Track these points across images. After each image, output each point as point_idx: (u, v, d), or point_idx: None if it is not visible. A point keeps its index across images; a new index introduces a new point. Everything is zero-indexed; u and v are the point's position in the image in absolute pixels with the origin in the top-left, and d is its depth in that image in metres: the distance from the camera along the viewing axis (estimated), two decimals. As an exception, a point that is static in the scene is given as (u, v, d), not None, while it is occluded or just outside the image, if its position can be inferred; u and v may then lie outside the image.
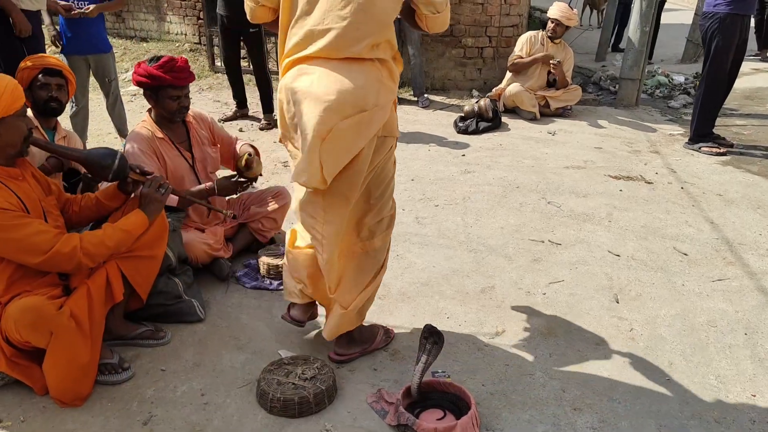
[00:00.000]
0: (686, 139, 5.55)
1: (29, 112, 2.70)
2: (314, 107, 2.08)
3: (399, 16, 2.25)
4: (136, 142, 3.10)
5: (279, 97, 2.23)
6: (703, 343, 2.74)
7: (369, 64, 2.15)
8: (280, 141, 2.34)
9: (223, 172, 3.42)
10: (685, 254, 3.53)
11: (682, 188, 4.52)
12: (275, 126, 6.04)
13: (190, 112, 3.33)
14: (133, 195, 2.58)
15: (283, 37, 2.23)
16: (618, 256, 3.51)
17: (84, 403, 2.31)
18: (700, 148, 5.33)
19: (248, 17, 2.35)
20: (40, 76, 3.07)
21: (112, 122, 5.39)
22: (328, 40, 2.08)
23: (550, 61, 6.19)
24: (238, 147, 3.45)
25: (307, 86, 2.10)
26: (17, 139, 2.27)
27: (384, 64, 2.20)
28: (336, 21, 2.06)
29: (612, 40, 9.86)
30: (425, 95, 6.77)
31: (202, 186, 3.18)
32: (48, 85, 3.08)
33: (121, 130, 5.38)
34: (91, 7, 4.82)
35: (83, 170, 3.01)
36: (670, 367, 2.58)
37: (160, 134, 3.17)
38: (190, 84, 3.18)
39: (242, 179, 3.28)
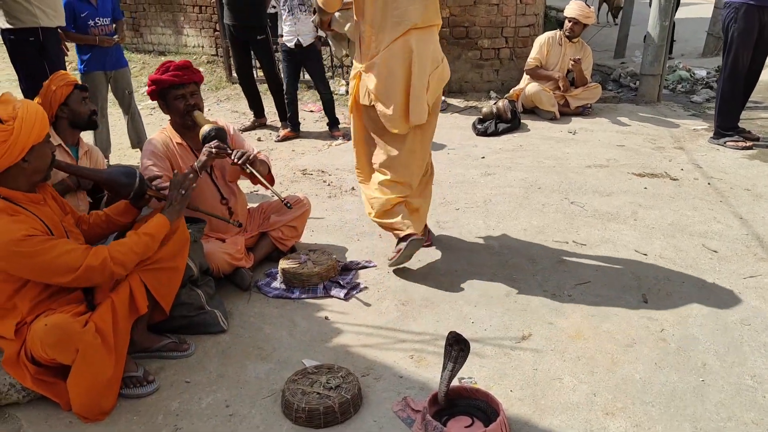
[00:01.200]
0: (711, 134, 5.44)
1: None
2: (420, 67, 3.00)
3: None
4: (150, 145, 3.15)
5: (378, 66, 3.00)
6: (737, 342, 2.66)
7: (435, 29, 3.08)
8: (350, 112, 3.27)
9: (244, 182, 3.42)
10: (715, 251, 3.44)
11: (708, 184, 4.42)
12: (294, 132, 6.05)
13: (214, 120, 3.35)
14: (144, 210, 2.62)
15: (360, 20, 3.02)
16: (645, 255, 3.43)
17: (107, 417, 2.31)
18: (725, 143, 5.22)
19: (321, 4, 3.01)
20: (76, 92, 3.17)
21: (128, 135, 5.43)
22: (420, 13, 2.94)
23: (570, 59, 6.12)
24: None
25: (414, 51, 2.97)
26: (45, 165, 2.31)
27: (438, 28, 3.11)
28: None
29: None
30: (442, 97, 6.72)
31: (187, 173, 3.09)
32: (86, 100, 3.19)
33: (140, 142, 5.43)
34: (118, 33, 5.02)
35: None
36: (704, 367, 2.51)
37: (178, 140, 3.18)
38: (209, 95, 3.19)
39: (215, 149, 2.96)
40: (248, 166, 2.96)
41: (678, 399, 2.33)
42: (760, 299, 2.97)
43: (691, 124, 6.01)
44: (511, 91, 6.58)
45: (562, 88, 6.21)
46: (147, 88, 3.17)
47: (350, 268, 3.38)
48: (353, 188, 4.58)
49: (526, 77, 6.46)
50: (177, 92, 3.09)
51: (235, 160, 2.94)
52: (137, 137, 5.41)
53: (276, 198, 3.60)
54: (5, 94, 2.33)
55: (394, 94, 3.03)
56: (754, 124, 5.86)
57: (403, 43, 2.98)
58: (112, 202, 3.09)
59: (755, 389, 2.37)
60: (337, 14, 3.24)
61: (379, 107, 3.08)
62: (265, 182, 2.99)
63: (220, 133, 3.01)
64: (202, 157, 2.93)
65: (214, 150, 2.92)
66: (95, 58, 5.00)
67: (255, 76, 6.63)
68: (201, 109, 3.16)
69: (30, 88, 4.38)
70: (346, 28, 3.35)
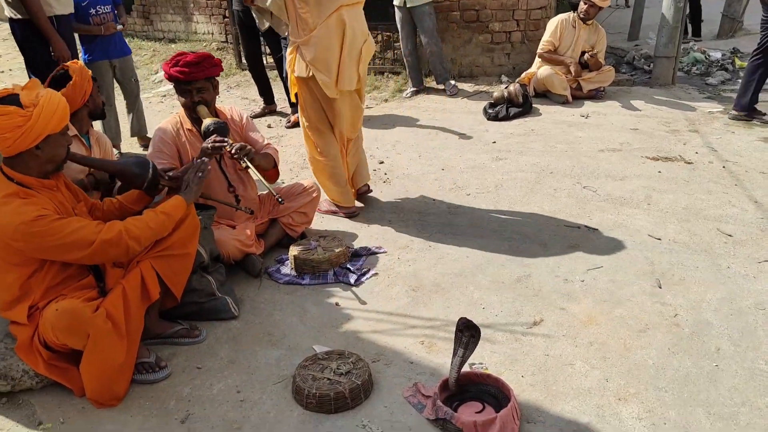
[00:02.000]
0: (727, 116, 5.37)
1: None
2: (352, 39, 3.45)
3: None
4: (159, 130, 3.17)
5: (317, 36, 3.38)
6: (751, 327, 2.62)
7: (360, 6, 3.55)
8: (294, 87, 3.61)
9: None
10: (730, 235, 3.40)
11: (723, 167, 4.36)
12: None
13: (229, 107, 3.38)
14: (156, 197, 2.63)
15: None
16: (659, 239, 3.39)
17: (120, 402, 2.33)
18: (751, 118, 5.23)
19: None
20: (95, 84, 3.23)
21: (130, 123, 5.42)
22: None
23: (586, 53, 6.04)
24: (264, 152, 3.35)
25: (347, 24, 3.41)
26: (58, 156, 2.31)
27: (362, 4, 3.56)
28: None
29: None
30: (451, 82, 6.67)
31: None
32: (98, 90, 3.24)
33: (140, 131, 5.45)
34: (121, 19, 5.02)
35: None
36: (718, 352, 2.48)
37: (188, 126, 3.19)
38: (219, 82, 3.18)
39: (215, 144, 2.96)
40: (244, 160, 2.93)
41: (691, 384, 2.31)
42: (776, 284, 2.93)
43: (706, 106, 5.92)
44: (523, 74, 6.49)
45: (573, 74, 6.13)
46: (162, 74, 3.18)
47: (360, 255, 3.38)
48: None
49: (537, 61, 6.38)
50: (184, 87, 3.08)
51: (232, 153, 2.93)
52: (138, 126, 5.42)
53: (286, 185, 3.62)
54: (33, 80, 2.36)
55: (333, 63, 3.44)
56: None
57: (337, 18, 3.39)
58: (124, 190, 3.11)
59: (770, 374, 2.34)
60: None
61: (319, 76, 3.45)
62: (259, 176, 2.95)
63: (219, 128, 3.00)
64: (201, 152, 2.96)
65: (210, 147, 2.92)
66: (99, 47, 5.00)
67: (264, 62, 6.59)
68: (209, 104, 3.14)
69: (42, 77, 4.39)
70: (268, 3, 3.42)
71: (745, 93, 5.27)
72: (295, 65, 3.53)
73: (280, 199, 2.96)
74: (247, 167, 2.94)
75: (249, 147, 3.00)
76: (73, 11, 4.58)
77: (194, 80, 3.06)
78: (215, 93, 3.21)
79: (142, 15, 9.88)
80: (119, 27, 5.06)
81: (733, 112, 5.41)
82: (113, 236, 2.26)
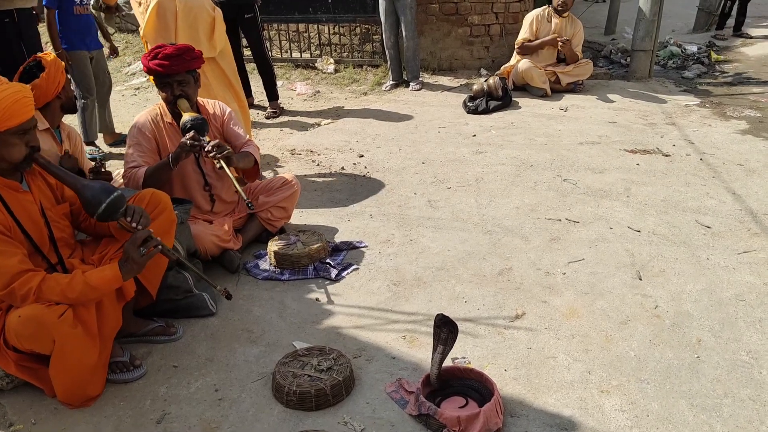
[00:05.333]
0: (703, 109, 5.42)
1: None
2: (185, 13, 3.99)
3: None
4: (138, 122, 3.09)
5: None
6: (732, 318, 2.64)
7: None
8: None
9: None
10: (708, 227, 3.42)
11: (701, 160, 4.39)
12: (282, 113, 5.96)
13: (211, 101, 3.30)
14: (127, 191, 2.52)
15: None
16: (638, 231, 3.40)
17: (94, 403, 2.26)
18: None
19: None
20: (68, 76, 3.12)
21: (101, 118, 5.28)
22: None
23: (558, 40, 6.03)
24: (244, 150, 3.25)
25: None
26: (12, 157, 2.11)
27: None
28: None
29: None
30: (419, 79, 6.66)
31: (164, 161, 2.99)
32: (69, 83, 3.14)
33: (109, 125, 5.34)
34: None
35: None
36: (699, 344, 2.48)
37: (169, 119, 3.11)
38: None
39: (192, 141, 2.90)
40: (220, 161, 2.84)
41: (673, 376, 2.31)
42: (755, 274, 2.94)
43: (682, 99, 5.97)
44: (502, 68, 6.49)
45: (557, 46, 6.04)
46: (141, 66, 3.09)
47: (341, 249, 3.33)
48: (343, 167, 4.52)
49: (516, 54, 6.38)
50: (164, 80, 3.00)
51: (207, 152, 2.85)
52: (106, 123, 5.30)
53: (265, 179, 3.55)
54: None
55: (168, 38, 3.93)
56: (747, 99, 5.83)
57: None
58: None
59: (751, 365, 2.35)
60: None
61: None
62: (233, 179, 2.86)
63: (197, 125, 2.91)
64: (177, 149, 2.88)
65: (188, 143, 2.85)
66: (79, 37, 4.88)
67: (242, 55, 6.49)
68: (190, 97, 3.06)
69: (8, 71, 4.27)
70: None
71: None
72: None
73: (249, 204, 2.89)
74: (222, 168, 2.86)
75: (227, 148, 2.90)
76: (35, 4, 4.47)
77: (175, 73, 2.98)
78: (197, 86, 3.13)
79: (115, 6, 9.67)
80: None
81: None
82: (21, 293, 2.06)
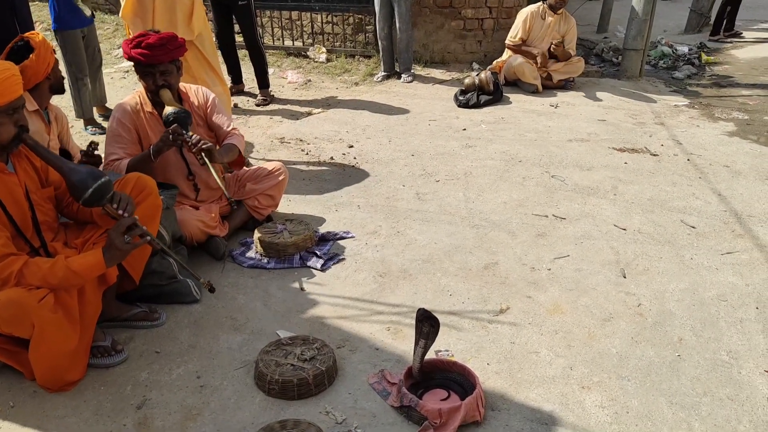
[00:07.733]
0: (692, 110, 5.45)
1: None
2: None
3: None
4: (117, 112, 3.03)
5: None
6: (713, 318, 2.66)
7: None
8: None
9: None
10: (693, 227, 3.44)
11: (688, 160, 4.42)
12: (272, 101, 5.92)
13: (194, 87, 3.25)
14: (111, 175, 2.47)
15: None
16: (624, 230, 3.42)
17: (74, 387, 2.24)
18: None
19: None
20: (56, 57, 3.04)
21: (92, 91, 5.24)
22: None
23: (552, 42, 6.04)
24: (228, 141, 3.18)
25: None
26: None
27: None
28: None
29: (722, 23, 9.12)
30: (411, 71, 6.64)
31: (145, 153, 2.95)
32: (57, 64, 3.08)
33: (102, 99, 5.35)
34: None
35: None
36: (680, 342, 2.50)
37: (149, 108, 3.06)
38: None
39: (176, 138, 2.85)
40: (202, 156, 2.80)
41: (654, 374, 2.33)
42: (737, 275, 2.97)
43: (672, 100, 6.00)
44: (494, 62, 6.49)
45: (538, 64, 6.13)
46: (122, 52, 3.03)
47: (327, 239, 3.32)
48: (332, 157, 4.50)
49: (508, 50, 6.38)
50: (146, 70, 2.94)
51: (189, 147, 2.81)
52: (98, 96, 5.30)
53: (254, 166, 3.53)
54: None
55: (146, 19, 4.08)
56: (735, 101, 5.87)
57: None
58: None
59: (731, 365, 2.37)
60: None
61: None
62: (215, 174, 2.82)
63: (180, 118, 2.86)
64: (159, 142, 2.85)
65: (170, 136, 2.81)
66: (72, 15, 4.82)
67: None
68: (171, 87, 3.00)
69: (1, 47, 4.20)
70: None
71: None
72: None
73: (231, 201, 2.86)
74: (204, 164, 2.82)
75: (208, 143, 2.83)
76: None
77: (157, 63, 2.92)
78: (179, 75, 3.08)
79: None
80: None
81: None
82: (3, 276, 2.03)
